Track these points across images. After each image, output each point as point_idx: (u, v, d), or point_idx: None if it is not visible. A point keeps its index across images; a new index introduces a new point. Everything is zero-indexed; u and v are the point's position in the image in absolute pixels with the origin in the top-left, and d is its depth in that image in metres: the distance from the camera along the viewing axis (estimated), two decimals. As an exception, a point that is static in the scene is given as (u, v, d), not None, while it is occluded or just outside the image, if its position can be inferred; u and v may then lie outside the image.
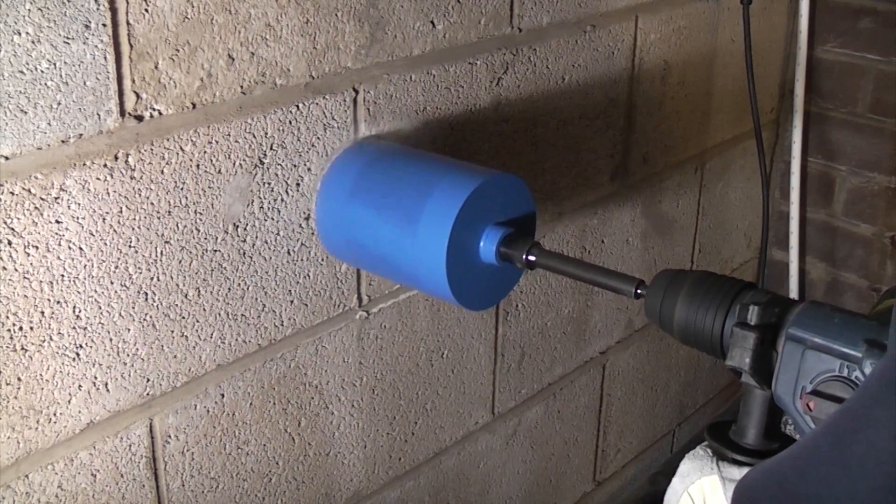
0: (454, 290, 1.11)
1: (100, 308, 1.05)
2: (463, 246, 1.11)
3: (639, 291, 1.07)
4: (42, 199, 0.97)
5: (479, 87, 1.41)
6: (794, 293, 2.31)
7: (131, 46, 1.00)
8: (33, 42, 0.92)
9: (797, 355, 0.92)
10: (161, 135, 1.05)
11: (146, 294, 1.09)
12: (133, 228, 1.06)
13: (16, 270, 0.97)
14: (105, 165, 1.01)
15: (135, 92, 1.02)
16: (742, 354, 0.93)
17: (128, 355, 1.09)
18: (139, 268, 1.07)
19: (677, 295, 1.01)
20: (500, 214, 1.14)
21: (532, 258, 1.13)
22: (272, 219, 1.19)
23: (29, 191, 0.96)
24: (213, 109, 1.10)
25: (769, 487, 0.69)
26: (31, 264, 0.98)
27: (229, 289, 1.17)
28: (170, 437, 1.16)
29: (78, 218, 1.01)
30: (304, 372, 1.30)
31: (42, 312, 1.00)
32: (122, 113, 1.01)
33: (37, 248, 0.98)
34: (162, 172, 1.07)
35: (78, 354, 1.05)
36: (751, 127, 1.98)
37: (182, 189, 1.09)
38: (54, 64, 0.94)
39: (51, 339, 1.02)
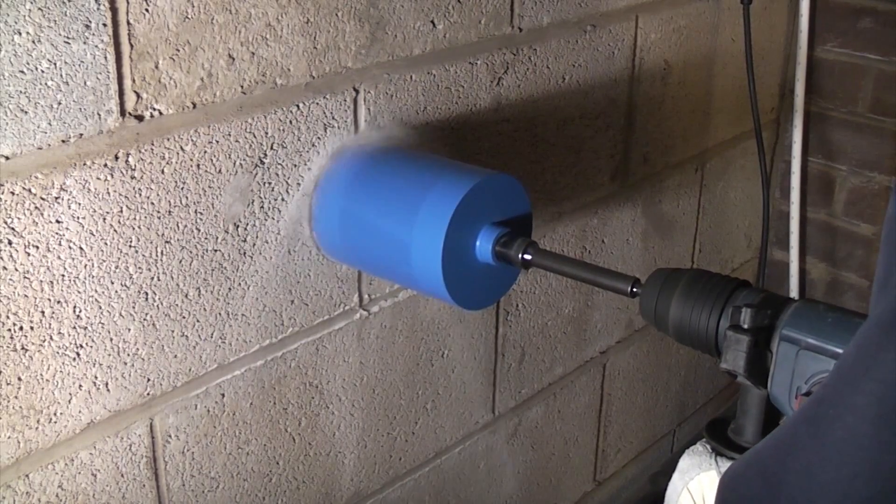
0: (451, 291, 1.11)
1: (100, 308, 1.05)
2: (459, 246, 1.11)
3: (634, 290, 1.07)
4: (42, 198, 0.97)
5: (479, 87, 1.41)
6: (794, 293, 2.31)
7: (132, 46, 1.00)
8: (34, 42, 0.93)
9: (791, 356, 0.92)
10: (161, 135, 1.06)
11: (146, 294, 1.09)
12: (133, 228, 1.06)
13: (16, 270, 0.97)
14: (105, 165, 1.02)
15: (135, 92, 1.02)
16: (736, 358, 0.93)
17: (128, 355, 1.09)
18: (139, 267, 1.08)
19: (672, 294, 1.01)
20: (497, 214, 1.15)
21: (528, 257, 1.13)
22: (272, 218, 1.19)
23: (29, 191, 0.96)
24: (214, 109, 1.10)
25: (751, 477, 0.69)
26: (32, 264, 0.98)
27: (230, 288, 1.17)
28: (170, 436, 1.17)
29: (78, 218, 1.01)
30: (304, 372, 1.30)
31: (42, 312, 1.01)
32: (123, 113, 1.02)
33: (37, 247, 0.98)
34: (162, 172, 1.07)
35: (78, 354, 1.05)
36: (751, 127, 1.99)
37: (182, 189, 1.09)
38: (55, 64, 0.95)
39: (51, 338, 1.02)
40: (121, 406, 1.10)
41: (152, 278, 1.09)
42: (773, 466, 0.66)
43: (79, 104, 0.98)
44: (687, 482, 1.01)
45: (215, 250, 1.14)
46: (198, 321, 1.15)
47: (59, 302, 1.02)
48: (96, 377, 1.07)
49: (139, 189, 1.05)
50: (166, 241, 1.09)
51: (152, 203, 1.07)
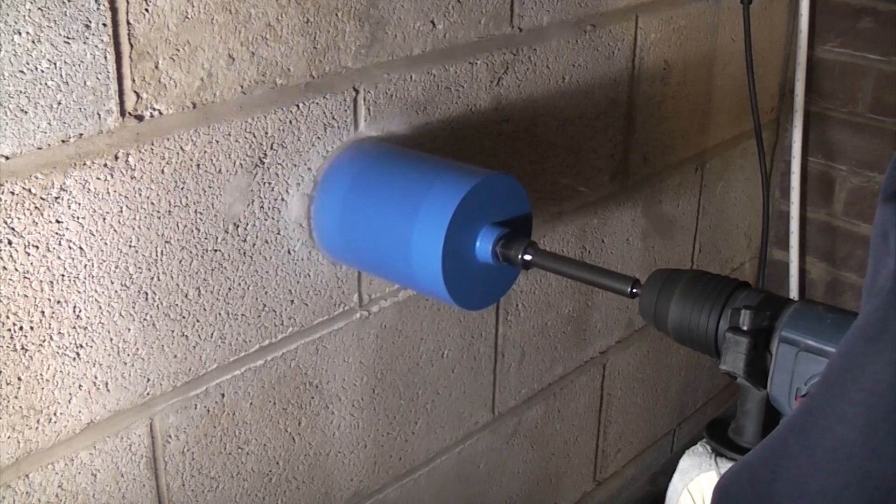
0: (451, 291, 1.11)
1: (100, 308, 1.05)
2: (459, 246, 1.11)
3: (634, 291, 1.07)
4: (42, 198, 0.97)
5: (479, 87, 1.41)
6: (794, 293, 2.31)
7: (131, 46, 1.00)
8: (34, 42, 0.93)
9: (791, 357, 0.92)
10: (161, 134, 1.06)
11: (146, 294, 1.09)
12: (133, 228, 1.06)
13: (16, 270, 0.97)
14: (105, 165, 1.02)
15: (135, 92, 1.02)
16: (736, 359, 0.93)
17: (128, 355, 1.09)
18: (139, 267, 1.08)
19: (671, 295, 1.01)
20: (497, 214, 1.15)
21: (528, 258, 1.13)
22: (272, 218, 1.19)
23: (29, 190, 0.96)
24: (214, 109, 1.10)
25: (743, 486, 0.69)
26: (32, 264, 0.98)
27: (229, 288, 1.17)
28: (170, 436, 1.17)
29: (78, 218, 1.01)
30: (304, 372, 1.30)
31: (42, 312, 1.01)
32: (123, 113, 1.02)
33: (37, 247, 0.98)
34: (162, 172, 1.07)
35: (78, 354, 1.05)
36: (751, 127, 1.99)
37: (182, 189, 1.09)
38: (54, 64, 0.95)
39: (51, 338, 1.02)
40: (121, 406, 1.10)
41: (152, 278, 1.09)
42: (765, 476, 0.66)
43: (79, 104, 0.98)
44: (687, 483, 1.01)
45: (215, 250, 1.14)
46: (198, 321, 1.15)
47: (59, 302, 1.02)
48: (96, 377, 1.07)
49: (139, 189, 1.05)
50: (166, 241, 1.09)
51: (152, 203, 1.07)
